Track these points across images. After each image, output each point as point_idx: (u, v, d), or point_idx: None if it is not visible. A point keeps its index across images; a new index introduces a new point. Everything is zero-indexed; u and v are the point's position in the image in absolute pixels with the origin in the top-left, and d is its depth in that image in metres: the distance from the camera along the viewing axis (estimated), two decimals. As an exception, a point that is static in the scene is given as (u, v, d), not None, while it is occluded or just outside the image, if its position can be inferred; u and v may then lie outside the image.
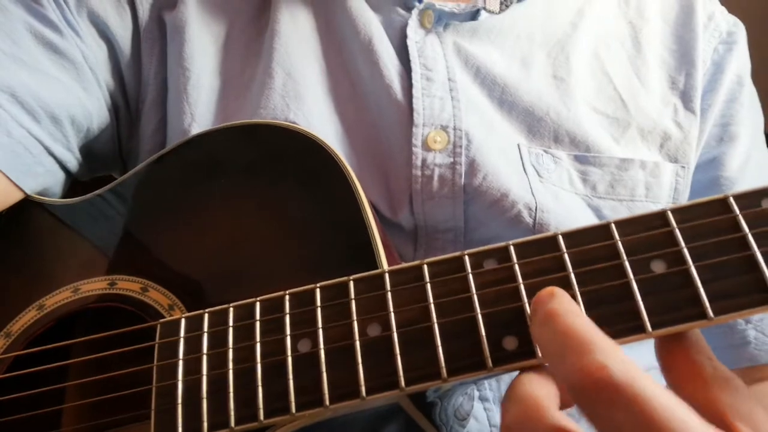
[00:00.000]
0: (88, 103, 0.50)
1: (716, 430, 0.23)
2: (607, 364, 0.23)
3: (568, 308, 0.27)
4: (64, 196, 0.51)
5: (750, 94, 0.62)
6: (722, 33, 0.62)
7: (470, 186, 0.49)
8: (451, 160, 0.49)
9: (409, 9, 0.54)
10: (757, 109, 0.63)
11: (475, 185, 0.49)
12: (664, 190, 0.54)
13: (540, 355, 0.29)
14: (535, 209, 0.48)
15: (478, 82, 0.53)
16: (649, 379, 0.23)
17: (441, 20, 0.53)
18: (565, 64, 0.55)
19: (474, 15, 0.54)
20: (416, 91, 0.50)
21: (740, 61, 0.62)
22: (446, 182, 0.49)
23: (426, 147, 0.49)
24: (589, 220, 0.51)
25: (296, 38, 0.53)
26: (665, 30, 0.60)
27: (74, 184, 0.53)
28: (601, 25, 0.59)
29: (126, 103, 0.55)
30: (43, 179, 0.48)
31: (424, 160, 0.49)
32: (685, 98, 0.58)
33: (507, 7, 0.54)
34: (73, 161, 0.51)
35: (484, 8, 0.53)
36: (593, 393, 0.23)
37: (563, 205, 0.50)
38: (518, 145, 0.52)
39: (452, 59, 0.53)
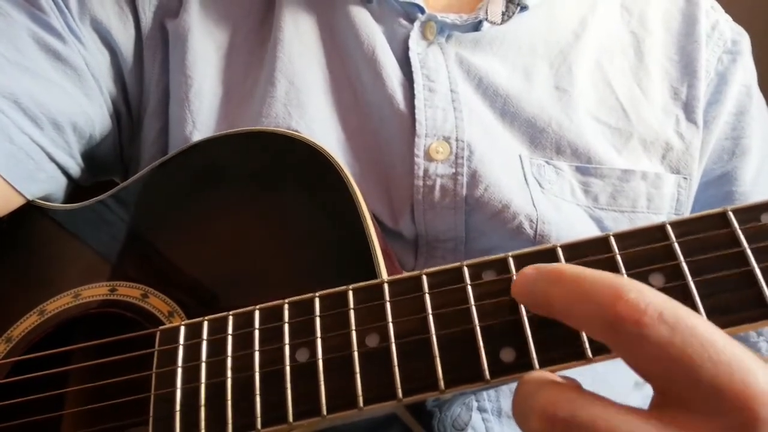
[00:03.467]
0: (90, 110, 0.51)
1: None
2: (640, 289, 0.24)
3: (569, 265, 0.28)
4: (66, 202, 0.51)
5: (759, 104, 0.62)
6: (726, 42, 0.61)
7: (472, 197, 0.49)
8: (453, 170, 0.49)
9: (411, 20, 0.54)
10: (766, 119, 0.62)
11: (476, 196, 0.49)
12: (665, 201, 0.54)
13: (537, 363, 0.29)
14: (536, 221, 0.48)
15: (480, 93, 0.53)
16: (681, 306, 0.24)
17: (443, 31, 0.53)
18: (568, 74, 0.55)
19: (476, 26, 0.54)
20: (419, 102, 0.50)
21: (746, 72, 0.61)
22: (448, 193, 0.49)
23: (428, 157, 0.49)
24: (590, 231, 0.51)
25: (299, 47, 0.53)
26: (668, 40, 0.60)
27: (76, 189, 0.54)
28: (603, 36, 0.59)
29: (128, 109, 0.55)
30: (45, 185, 0.48)
31: (426, 171, 0.49)
32: (688, 109, 0.57)
33: (509, 17, 0.54)
34: (75, 167, 0.51)
35: (486, 19, 0.53)
36: (631, 320, 0.24)
37: (564, 216, 0.50)
38: (520, 156, 0.52)
39: (454, 70, 0.53)
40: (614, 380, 0.50)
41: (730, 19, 0.64)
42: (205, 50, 0.53)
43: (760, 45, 0.66)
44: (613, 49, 0.59)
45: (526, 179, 0.51)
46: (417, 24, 0.53)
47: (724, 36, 0.61)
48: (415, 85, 0.51)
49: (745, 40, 0.62)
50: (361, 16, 0.53)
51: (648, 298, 0.24)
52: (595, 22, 0.59)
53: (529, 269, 0.28)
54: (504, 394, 0.47)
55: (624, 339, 0.24)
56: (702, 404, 0.23)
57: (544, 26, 0.57)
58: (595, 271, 0.26)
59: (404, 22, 0.54)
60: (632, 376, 0.51)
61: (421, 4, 0.53)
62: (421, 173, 0.49)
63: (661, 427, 0.23)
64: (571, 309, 0.26)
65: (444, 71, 0.52)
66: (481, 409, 0.46)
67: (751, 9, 0.85)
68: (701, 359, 0.23)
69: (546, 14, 0.57)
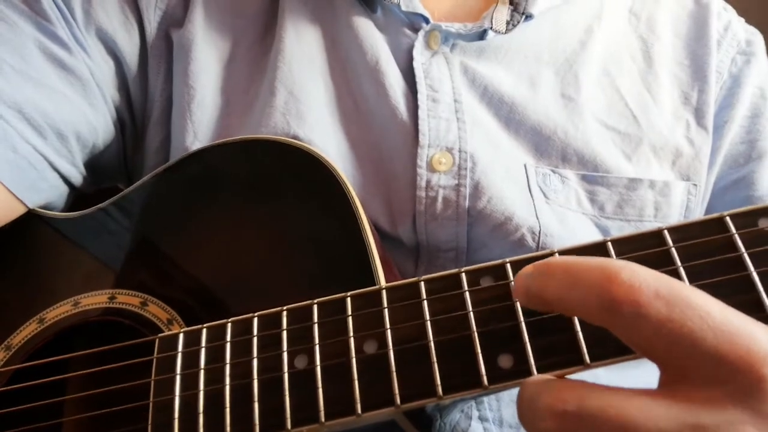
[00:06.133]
0: (94, 119, 0.51)
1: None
2: (631, 268, 0.24)
3: (559, 257, 0.28)
4: (67, 209, 0.51)
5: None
6: (740, 42, 0.60)
7: (474, 209, 0.49)
8: (456, 182, 0.49)
9: (416, 30, 0.54)
10: None
11: (479, 208, 0.48)
12: (674, 208, 0.53)
13: (535, 369, 0.29)
14: (539, 233, 0.48)
15: (485, 102, 0.53)
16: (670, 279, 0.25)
17: (448, 41, 0.53)
18: (574, 82, 0.55)
19: (481, 35, 0.54)
20: (422, 113, 0.50)
21: (761, 73, 0.60)
22: (450, 204, 0.49)
23: (431, 168, 0.49)
24: None
25: (300, 57, 0.53)
26: (677, 44, 0.60)
27: (78, 196, 0.54)
28: (611, 42, 0.59)
29: (132, 119, 0.55)
30: (47, 194, 0.49)
31: (428, 182, 0.49)
32: (698, 114, 0.57)
33: (514, 26, 0.53)
34: (77, 176, 0.51)
35: (491, 28, 0.53)
36: (627, 301, 0.24)
37: (569, 227, 0.50)
38: (525, 165, 0.51)
39: (458, 80, 0.53)
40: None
41: (742, 20, 0.63)
42: (208, 61, 0.53)
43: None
44: (622, 54, 0.58)
45: (530, 189, 0.50)
46: (421, 34, 0.53)
47: (737, 36, 0.60)
48: (418, 95, 0.51)
49: (759, 41, 0.62)
50: (365, 27, 0.53)
51: (641, 277, 0.24)
52: (601, 30, 0.58)
53: (526, 268, 0.28)
54: (505, 404, 0.47)
55: (622, 321, 0.24)
56: (708, 374, 0.23)
57: (549, 35, 0.57)
58: (584, 258, 0.26)
59: (409, 32, 0.54)
60: (633, 384, 0.51)
61: (426, 14, 0.53)
62: (423, 184, 0.49)
63: (671, 404, 0.23)
64: (565, 297, 0.26)
65: (448, 81, 0.52)
66: (483, 419, 0.46)
67: (760, 9, 0.84)
68: (702, 330, 0.23)
69: (551, 23, 0.57)
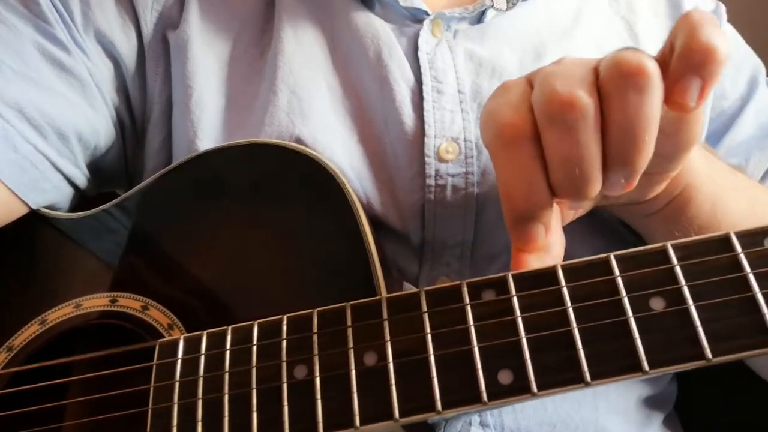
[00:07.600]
0: (95, 121, 0.51)
1: None
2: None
3: None
4: (70, 211, 0.51)
5: (735, 67, 0.63)
6: None
7: (482, 195, 0.49)
8: (464, 169, 0.49)
9: (418, 21, 0.54)
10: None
11: (487, 193, 0.49)
12: None
13: (535, 386, 0.29)
14: None
15: (495, 80, 0.53)
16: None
17: (450, 27, 0.54)
18: (575, 54, 0.56)
19: (481, 16, 0.55)
20: (427, 104, 0.51)
21: None
22: (459, 191, 0.49)
23: (438, 158, 0.49)
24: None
25: (300, 56, 0.53)
26: (657, 24, 0.61)
27: (80, 199, 0.54)
28: (598, 23, 0.60)
29: (132, 120, 0.55)
30: (51, 195, 0.49)
31: (437, 171, 0.49)
32: None
33: (514, 5, 0.55)
34: (81, 177, 0.52)
35: (492, 6, 0.54)
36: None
37: None
38: None
39: (463, 69, 0.53)
40: (616, 396, 0.49)
41: None
42: (205, 60, 0.53)
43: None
44: (610, 35, 0.60)
45: None
46: (426, 23, 0.53)
47: None
48: (423, 87, 0.51)
49: (719, 12, 0.63)
50: (365, 22, 0.54)
51: None
52: (588, 11, 0.60)
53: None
54: (506, 410, 0.47)
55: None
56: None
57: (545, 16, 0.58)
58: None
59: (411, 23, 0.54)
60: (634, 393, 0.51)
61: (425, 7, 0.54)
62: (432, 173, 0.49)
63: None
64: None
65: (452, 71, 0.52)
66: (484, 424, 0.46)
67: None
68: None
69: (544, 7, 0.58)
